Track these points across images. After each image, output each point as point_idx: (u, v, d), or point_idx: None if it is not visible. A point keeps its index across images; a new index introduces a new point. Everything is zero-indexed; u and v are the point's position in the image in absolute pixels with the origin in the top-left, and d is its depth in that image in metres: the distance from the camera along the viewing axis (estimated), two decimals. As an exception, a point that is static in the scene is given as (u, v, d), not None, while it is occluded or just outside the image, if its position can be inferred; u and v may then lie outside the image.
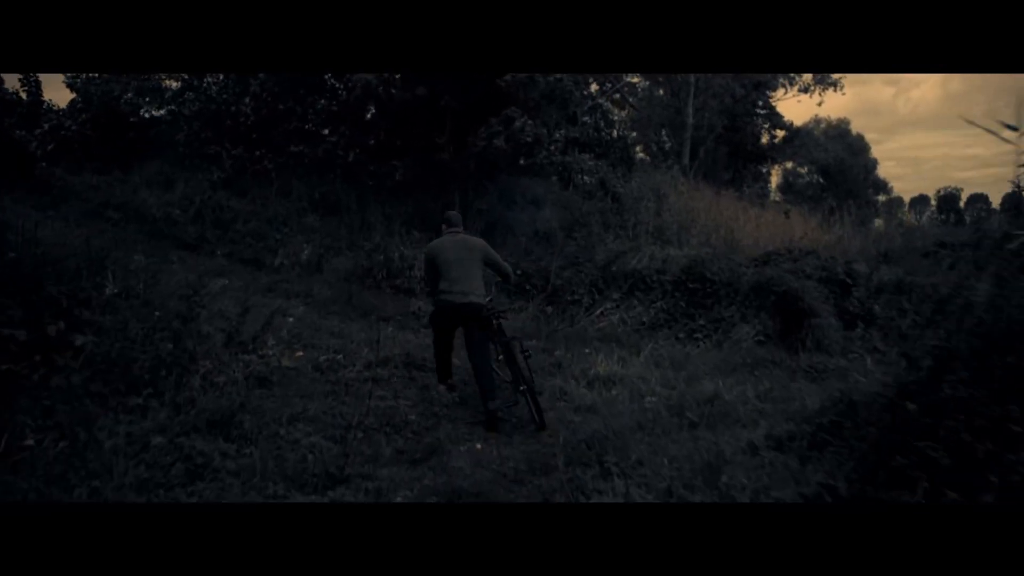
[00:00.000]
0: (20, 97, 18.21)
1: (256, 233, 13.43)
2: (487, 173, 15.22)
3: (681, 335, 8.97)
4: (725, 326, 8.90)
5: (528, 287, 10.50)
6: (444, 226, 6.64)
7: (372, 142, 16.34)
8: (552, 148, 15.86)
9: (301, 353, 7.14)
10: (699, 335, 8.91)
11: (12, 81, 18.33)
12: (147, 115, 18.28)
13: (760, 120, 33.37)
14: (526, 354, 6.13)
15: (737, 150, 32.18)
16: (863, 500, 3.41)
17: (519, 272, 10.73)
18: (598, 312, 9.53)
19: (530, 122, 13.69)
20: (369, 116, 16.39)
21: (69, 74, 17.94)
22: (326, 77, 16.69)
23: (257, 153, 15.65)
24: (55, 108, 17.97)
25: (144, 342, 5.57)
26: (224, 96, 16.60)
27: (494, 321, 6.38)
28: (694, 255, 10.34)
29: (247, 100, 16.32)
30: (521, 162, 15.18)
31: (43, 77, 18.96)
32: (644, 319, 9.26)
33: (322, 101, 16.49)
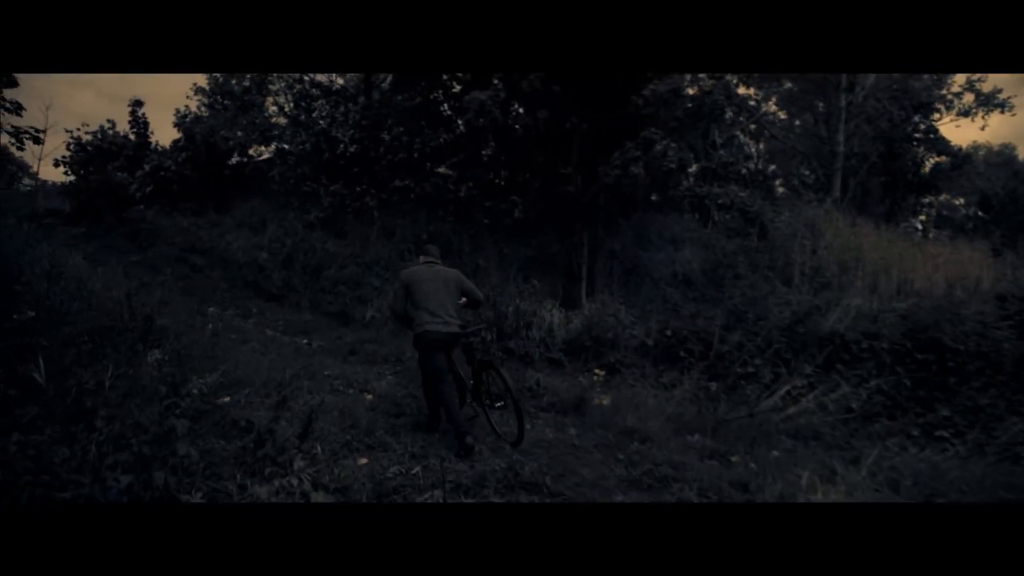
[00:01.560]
0: (129, 139, 17.50)
1: (350, 280, 11.60)
2: (620, 208, 12.98)
3: (915, 432, 6.21)
4: (985, 420, 6.11)
5: (682, 353, 8.02)
6: (421, 256, 6.47)
7: (489, 175, 14.50)
8: (689, 180, 13.60)
9: (365, 460, 4.98)
10: (945, 433, 6.12)
11: (123, 123, 17.75)
12: (251, 154, 17.20)
13: (921, 146, 29.48)
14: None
15: (895, 180, 28.44)
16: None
17: (668, 333, 8.34)
18: (783, 391, 6.92)
19: (673, 145, 11.32)
20: (486, 151, 14.54)
21: (177, 114, 17.19)
22: (439, 101, 15.00)
23: (358, 189, 13.97)
24: (159, 149, 17.11)
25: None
26: (324, 127, 15.20)
27: (470, 340, 6.43)
28: (915, 311, 7.53)
29: (347, 129, 14.82)
30: (653, 198, 12.89)
31: (153, 119, 18.59)
32: (853, 405, 6.59)
33: (427, 129, 14.66)
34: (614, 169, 11.44)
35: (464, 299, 6.33)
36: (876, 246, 12.61)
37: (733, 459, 5.65)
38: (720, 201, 14.13)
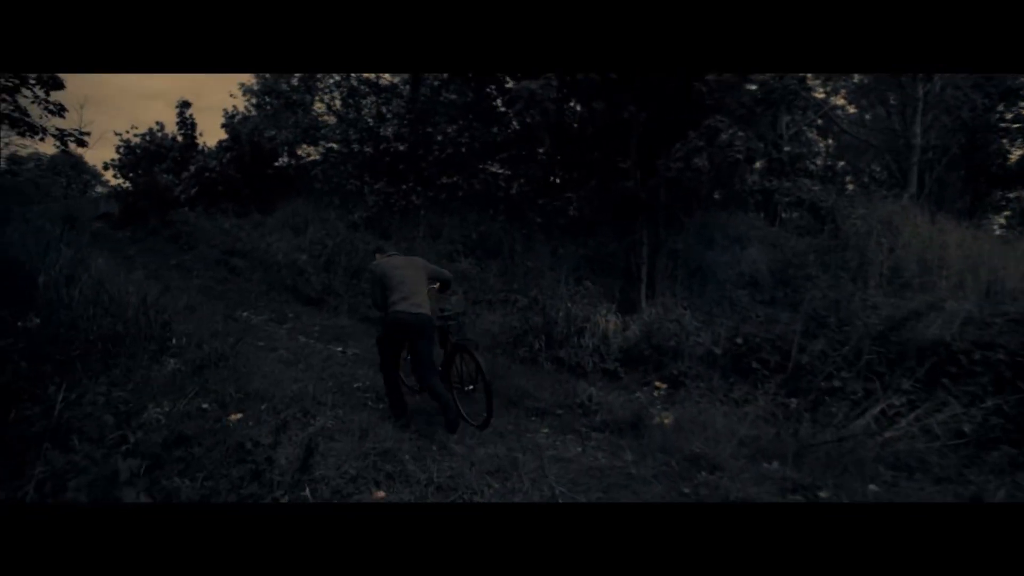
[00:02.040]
0: (177, 140, 17.25)
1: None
2: (682, 204, 12.02)
3: (1046, 463, 5.17)
4: None
5: (755, 364, 7.05)
6: (378, 254, 6.59)
7: (543, 172, 13.71)
8: (755, 175, 12.57)
9: (382, 493, 4.25)
10: (1086, 464, 5.04)
11: (172, 126, 17.53)
12: (299, 154, 16.76)
13: (1007, 136, 27.44)
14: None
15: (977, 173, 26.55)
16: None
17: (739, 341, 7.41)
18: (877, 411, 5.90)
19: (740, 134, 10.32)
20: (542, 149, 13.75)
21: (225, 114, 16.87)
22: (491, 96, 14.28)
23: (404, 187, 13.31)
24: (205, 150, 16.79)
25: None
26: (372, 124, 14.61)
27: (448, 323, 6.73)
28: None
29: (394, 126, 14.19)
30: (716, 196, 11.89)
31: (201, 121, 18.61)
32: (965, 428, 5.53)
33: (477, 124, 13.91)
34: (675, 162, 10.51)
35: (437, 284, 6.64)
36: (959, 244, 11.38)
37: (821, 494, 4.70)
38: (787, 198, 13.04)
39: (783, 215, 13.77)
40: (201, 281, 11.38)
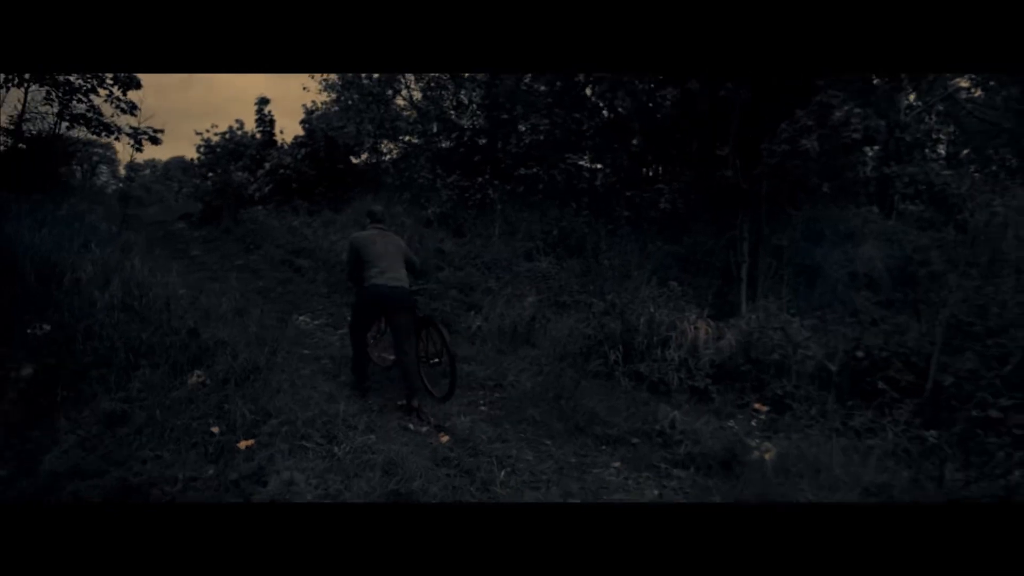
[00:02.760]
0: (255, 138, 16.92)
1: (463, 283, 9.95)
2: (788, 195, 10.59)
3: None
4: None
5: (881, 385, 5.66)
6: (368, 220, 6.75)
7: (629, 161, 12.53)
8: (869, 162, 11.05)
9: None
10: None
11: (250, 123, 17.25)
12: (380, 150, 16.13)
13: None
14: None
15: None
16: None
17: (860, 354, 6.06)
18: (1051, 451, 4.52)
19: (858, 110, 8.86)
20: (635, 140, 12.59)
21: (305, 110, 16.44)
22: (581, 84, 13.18)
23: (480, 180, 12.37)
24: (283, 147, 16.37)
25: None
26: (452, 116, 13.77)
27: (418, 298, 6.77)
28: None
29: (472, 116, 13.31)
30: (825, 189, 10.40)
31: (286, 119, 18.67)
32: None
33: (559, 111, 12.81)
34: (781, 144, 9.16)
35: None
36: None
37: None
38: (909, 187, 11.38)
39: (900, 206, 12.12)
40: (264, 282, 10.78)
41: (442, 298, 9.61)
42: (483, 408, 6.14)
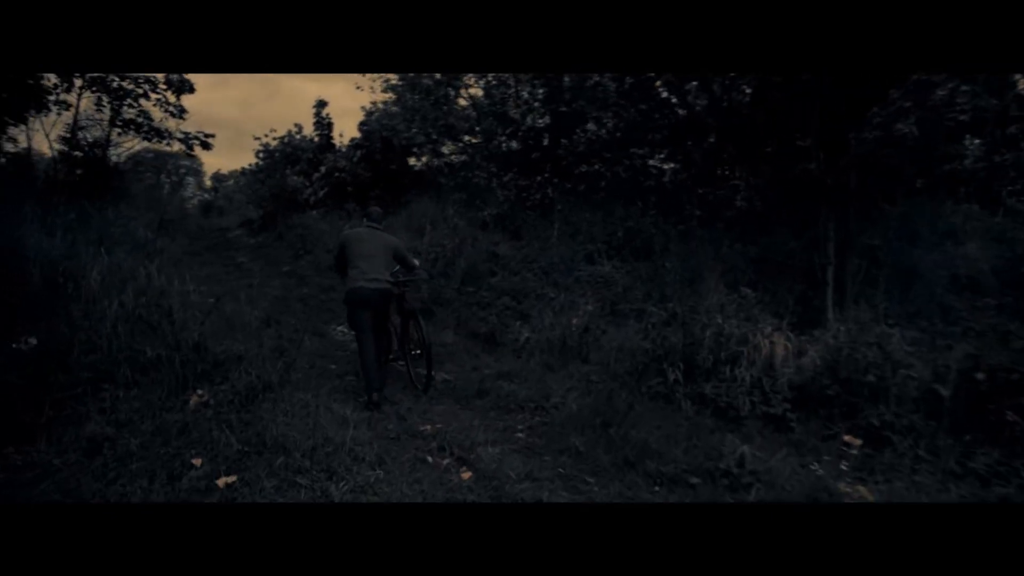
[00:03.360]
0: (313, 141, 16.57)
1: (517, 290, 9.13)
2: (880, 190, 9.39)
3: None
4: None
5: (1010, 416, 4.51)
6: (364, 219, 6.84)
7: (702, 158, 11.50)
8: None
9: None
10: None
11: (309, 127, 16.94)
12: (443, 151, 15.51)
13: None
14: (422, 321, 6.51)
15: None
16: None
17: (980, 376, 4.95)
18: None
19: (965, 88, 7.67)
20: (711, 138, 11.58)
21: (365, 111, 16.00)
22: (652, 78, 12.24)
23: (538, 179, 11.55)
24: (340, 150, 15.94)
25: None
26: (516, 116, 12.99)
27: (399, 291, 6.77)
28: None
29: (533, 114, 12.51)
30: (918, 184, 9.19)
31: (345, 123, 18.49)
32: None
33: (629, 108, 11.88)
34: (872, 131, 8.03)
35: (398, 266, 6.73)
36: None
37: None
38: (1013, 186, 10.02)
39: (1008, 202, 10.74)
40: (308, 289, 10.26)
41: (492, 306, 8.83)
42: (520, 435, 5.29)
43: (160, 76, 12.83)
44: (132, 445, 4.41)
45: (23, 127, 12.09)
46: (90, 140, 12.72)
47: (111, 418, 4.84)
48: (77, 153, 12.54)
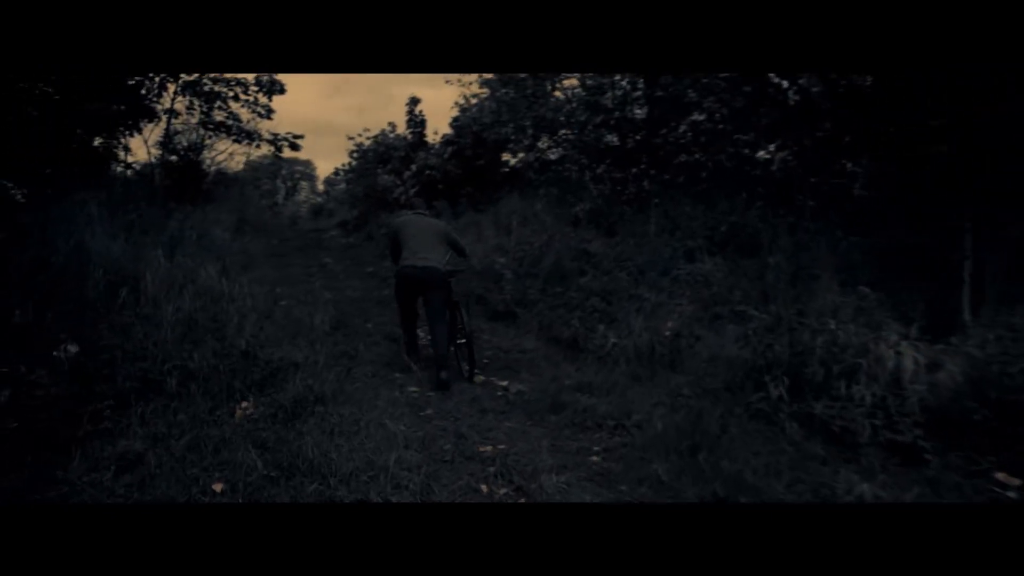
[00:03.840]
0: (407, 139, 16.35)
1: (608, 290, 8.40)
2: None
3: None
4: None
5: None
6: (407, 210, 7.19)
7: (815, 144, 10.43)
8: None
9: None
10: None
11: (402, 126, 16.72)
12: (539, 146, 14.92)
13: None
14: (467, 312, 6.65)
15: None
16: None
17: None
18: None
19: None
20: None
21: (460, 108, 15.61)
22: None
23: (634, 170, 10.77)
24: (434, 148, 15.64)
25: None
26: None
27: (451, 280, 6.70)
28: None
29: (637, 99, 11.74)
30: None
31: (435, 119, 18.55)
32: None
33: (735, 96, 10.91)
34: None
35: (451, 252, 6.76)
36: None
37: None
38: None
39: None
40: (389, 291, 9.88)
41: (579, 308, 8.15)
42: (594, 459, 4.57)
43: (250, 77, 12.83)
44: (162, 462, 4.04)
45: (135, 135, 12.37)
46: (185, 144, 12.86)
47: (150, 431, 4.50)
48: (173, 158, 12.71)
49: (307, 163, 41.05)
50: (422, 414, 5.28)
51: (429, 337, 6.56)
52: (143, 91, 11.89)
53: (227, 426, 4.60)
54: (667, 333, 6.65)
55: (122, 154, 12.39)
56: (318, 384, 5.17)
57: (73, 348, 5.00)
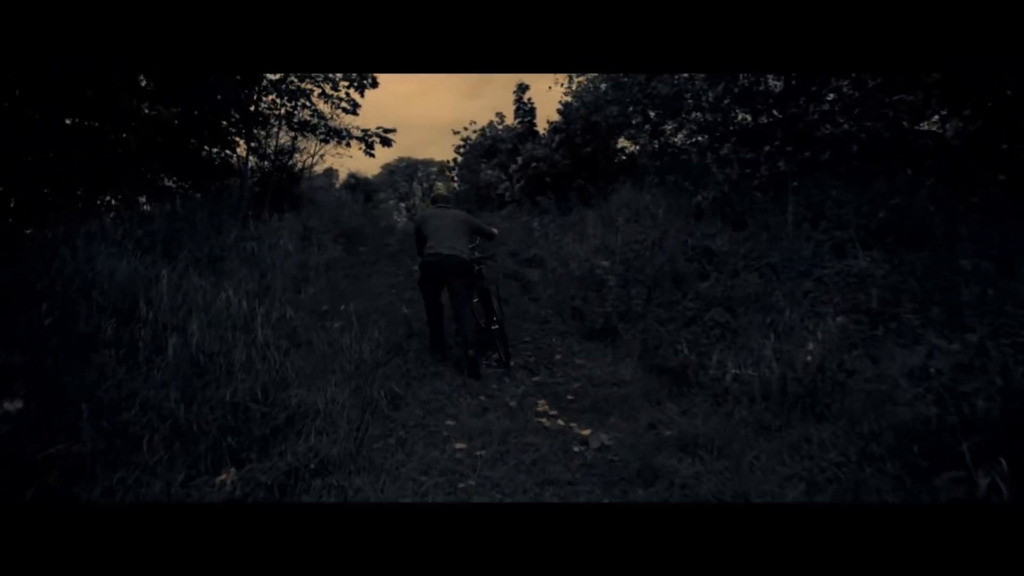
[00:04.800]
0: (515, 130, 15.14)
1: (732, 298, 6.76)
2: None
3: None
4: None
5: None
6: (430, 202, 7.20)
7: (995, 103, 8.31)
8: None
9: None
10: None
11: (510, 117, 15.51)
12: (660, 130, 13.26)
13: None
14: (500, 298, 6.91)
15: None
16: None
17: None
18: None
19: None
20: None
21: (571, 92, 14.18)
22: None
23: (767, 149, 8.94)
24: (542, 139, 14.32)
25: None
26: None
27: (476, 267, 6.87)
28: None
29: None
30: None
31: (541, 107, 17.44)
32: None
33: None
34: None
35: (478, 240, 7.13)
36: None
37: None
38: None
39: None
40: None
41: (697, 320, 6.56)
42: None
43: (337, 75, 12.02)
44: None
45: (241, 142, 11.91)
46: (275, 147, 12.24)
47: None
48: (265, 163, 12.12)
49: (443, 163, 40.92)
50: (461, 486, 3.95)
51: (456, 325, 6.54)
52: (253, 95, 11.35)
53: (197, 500, 3.50)
54: (808, 359, 4.97)
55: (235, 161, 11.96)
56: (327, 444, 3.96)
57: (17, 404, 3.97)
